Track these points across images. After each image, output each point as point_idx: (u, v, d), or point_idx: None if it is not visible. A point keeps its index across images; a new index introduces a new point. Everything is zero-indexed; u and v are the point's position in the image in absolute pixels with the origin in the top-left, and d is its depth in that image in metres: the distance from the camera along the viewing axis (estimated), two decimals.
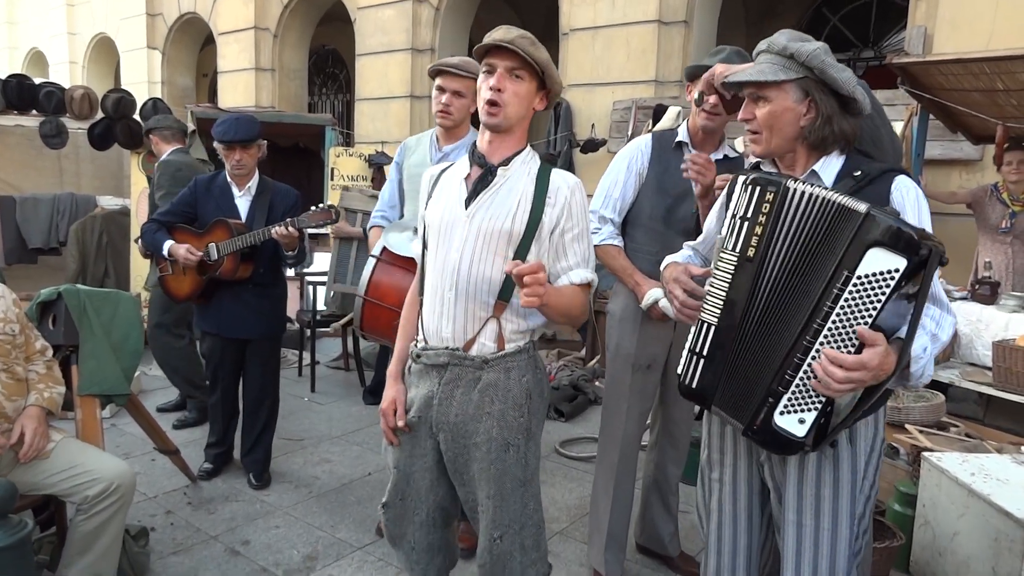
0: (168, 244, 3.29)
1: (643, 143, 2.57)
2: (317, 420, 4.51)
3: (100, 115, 6.00)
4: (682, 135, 2.52)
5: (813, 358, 1.40)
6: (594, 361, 5.64)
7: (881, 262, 1.33)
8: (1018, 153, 4.27)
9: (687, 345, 1.62)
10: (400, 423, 1.88)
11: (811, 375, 1.40)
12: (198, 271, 3.31)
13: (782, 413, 1.46)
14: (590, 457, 3.95)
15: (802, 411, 1.44)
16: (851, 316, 1.36)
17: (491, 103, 1.73)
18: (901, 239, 1.32)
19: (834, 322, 1.38)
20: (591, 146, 6.98)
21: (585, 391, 4.98)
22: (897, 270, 1.33)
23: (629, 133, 6.73)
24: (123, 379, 2.72)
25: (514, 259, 1.74)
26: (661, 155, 2.53)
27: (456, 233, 1.79)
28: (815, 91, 1.55)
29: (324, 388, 5.20)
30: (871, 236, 1.34)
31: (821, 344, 1.39)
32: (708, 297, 1.56)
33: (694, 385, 1.60)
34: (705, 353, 1.57)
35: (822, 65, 1.52)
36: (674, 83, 6.92)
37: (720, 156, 2.51)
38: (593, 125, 7.16)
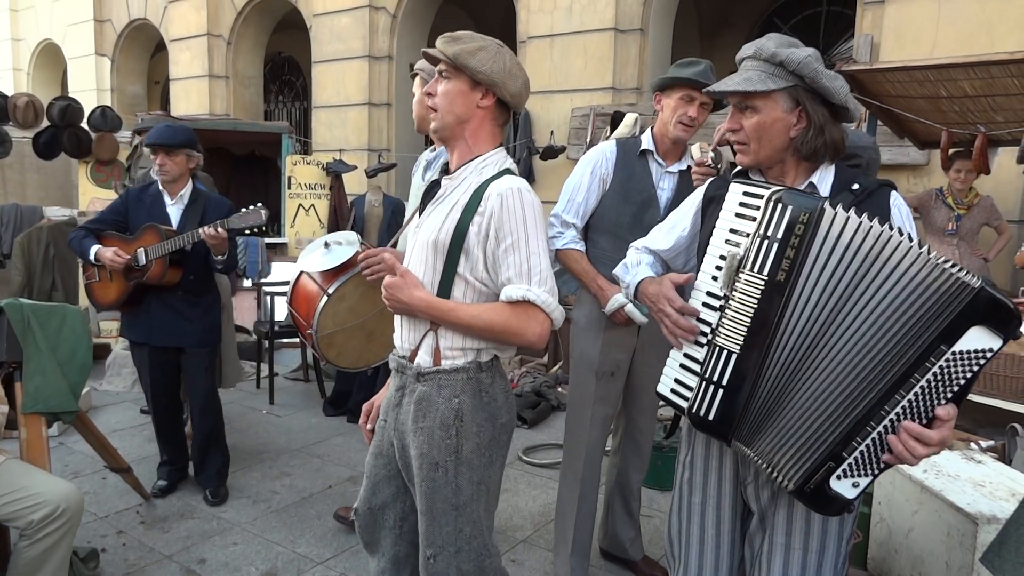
0: (95, 248, 3.21)
1: (608, 149, 2.56)
2: (276, 433, 4.42)
3: (46, 123, 5.83)
4: (647, 144, 2.52)
5: (884, 427, 1.33)
6: (557, 367, 5.65)
7: (980, 340, 1.25)
8: (966, 162, 4.41)
9: (701, 373, 1.48)
10: (368, 426, 1.92)
11: (882, 445, 1.33)
12: (125, 276, 3.23)
13: (839, 478, 1.37)
14: (554, 464, 3.94)
15: (859, 476, 1.37)
16: (935, 391, 1.29)
17: (429, 108, 1.74)
18: (1008, 320, 1.24)
19: (916, 394, 1.30)
20: (550, 153, 7.01)
21: (548, 397, 4.98)
22: (991, 350, 1.25)
23: (588, 140, 6.78)
24: (70, 396, 2.62)
25: (443, 271, 1.70)
26: (626, 162, 2.53)
27: (410, 243, 1.82)
28: (806, 100, 1.47)
29: (283, 400, 5.10)
30: (981, 313, 1.24)
31: (897, 414, 1.32)
32: (726, 321, 1.43)
33: (711, 417, 1.47)
34: (725, 384, 1.44)
35: (814, 73, 1.44)
36: (631, 90, 7.00)
37: (684, 167, 2.53)
38: (552, 132, 7.20)
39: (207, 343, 3.41)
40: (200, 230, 3.04)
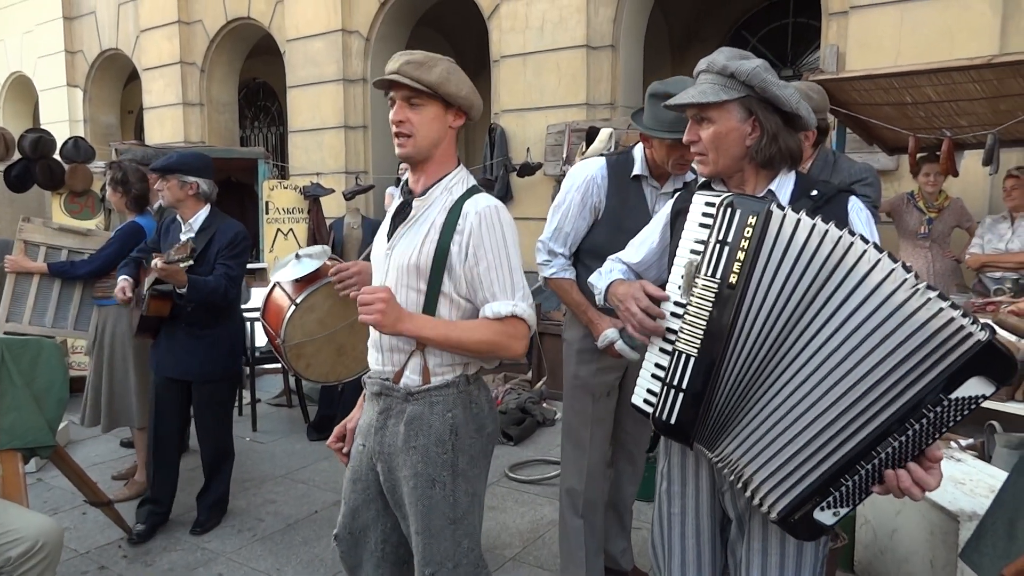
0: (120, 279, 3.34)
1: (598, 174, 2.44)
2: (259, 460, 4.37)
3: (17, 156, 5.77)
4: (640, 169, 2.43)
5: (872, 465, 1.34)
6: (540, 383, 5.65)
7: (976, 388, 1.25)
8: (934, 165, 4.50)
9: (664, 378, 1.49)
10: (344, 449, 1.92)
11: (869, 481, 1.35)
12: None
13: (822, 509, 1.39)
14: (541, 480, 3.93)
15: (841, 507, 1.39)
16: (926, 433, 1.30)
17: (398, 135, 1.73)
18: (1010, 372, 1.24)
19: (908, 436, 1.30)
20: (527, 170, 7.06)
21: (533, 414, 4.97)
22: (984, 396, 1.26)
23: (564, 155, 6.84)
24: (47, 430, 2.58)
25: (427, 292, 1.71)
26: (619, 187, 2.43)
27: (380, 267, 1.82)
28: (758, 109, 1.51)
29: (266, 426, 5.06)
30: (984, 365, 1.24)
31: (887, 454, 1.32)
32: (685, 326, 1.46)
33: (672, 421, 1.48)
34: (684, 387, 1.46)
35: (763, 83, 1.48)
36: (605, 106, 7.08)
37: (680, 185, 2.47)
38: (528, 149, 7.26)
39: (210, 378, 3.32)
40: (154, 263, 3.02)
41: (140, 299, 3.29)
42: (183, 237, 3.27)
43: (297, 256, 2.80)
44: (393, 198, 1.94)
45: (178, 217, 3.34)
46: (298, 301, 2.69)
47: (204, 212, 3.30)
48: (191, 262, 2.94)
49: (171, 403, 3.34)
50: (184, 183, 3.23)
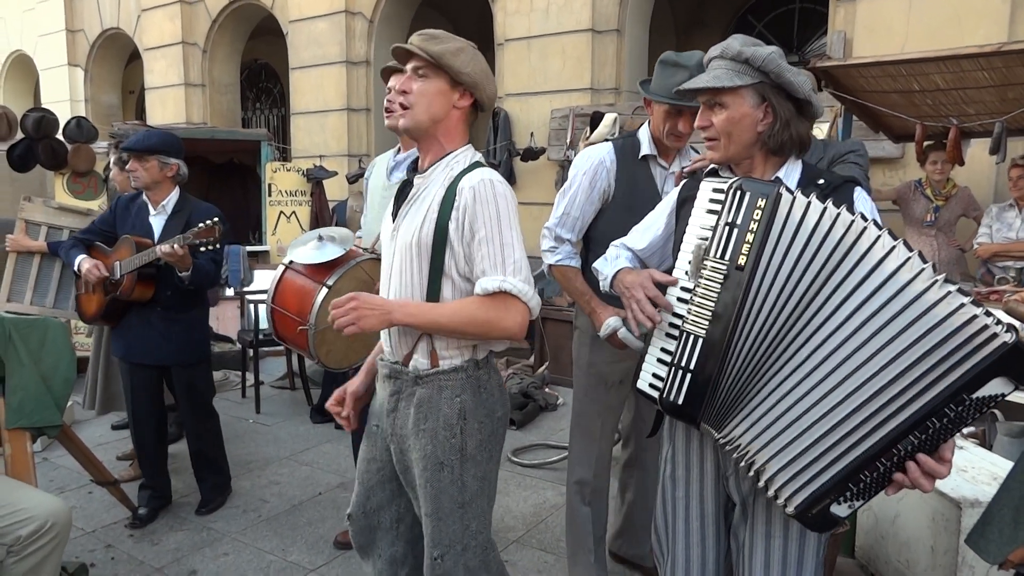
0: (79, 259, 3.17)
1: (607, 158, 2.41)
2: (263, 442, 4.39)
3: (20, 136, 5.75)
4: (648, 148, 2.41)
5: (892, 461, 1.34)
6: (543, 368, 5.66)
7: (997, 388, 1.26)
8: (940, 153, 4.48)
9: (671, 361, 1.51)
10: (343, 413, 1.88)
11: (886, 476, 1.35)
12: (103, 290, 3.17)
13: (839, 503, 1.39)
14: (543, 464, 3.96)
15: (856, 500, 1.39)
16: (945, 431, 1.30)
17: (393, 106, 1.70)
18: None
19: (928, 433, 1.30)
20: (531, 154, 7.03)
21: (535, 398, 4.99)
22: (1003, 395, 1.26)
23: (568, 140, 6.81)
24: (55, 410, 2.59)
25: (430, 272, 1.69)
26: (627, 171, 2.41)
27: (388, 247, 1.81)
28: (772, 95, 1.52)
29: (270, 409, 5.08)
30: (1008, 367, 1.24)
31: (906, 449, 1.32)
32: (693, 308, 1.47)
33: (680, 401, 1.49)
34: (692, 367, 1.47)
35: (778, 69, 1.50)
36: (609, 90, 7.04)
37: (686, 163, 2.43)
38: (532, 134, 7.22)
39: (188, 362, 3.27)
40: (157, 248, 2.92)
41: (96, 284, 3.14)
42: (152, 221, 3.18)
43: (320, 238, 2.70)
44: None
45: (144, 198, 3.21)
46: (329, 284, 2.58)
47: (175, 195, 3.21)
48: (218, 246, 2.88)
49: (147, 390, 3.28)
50: (165, 165, 3.12)
